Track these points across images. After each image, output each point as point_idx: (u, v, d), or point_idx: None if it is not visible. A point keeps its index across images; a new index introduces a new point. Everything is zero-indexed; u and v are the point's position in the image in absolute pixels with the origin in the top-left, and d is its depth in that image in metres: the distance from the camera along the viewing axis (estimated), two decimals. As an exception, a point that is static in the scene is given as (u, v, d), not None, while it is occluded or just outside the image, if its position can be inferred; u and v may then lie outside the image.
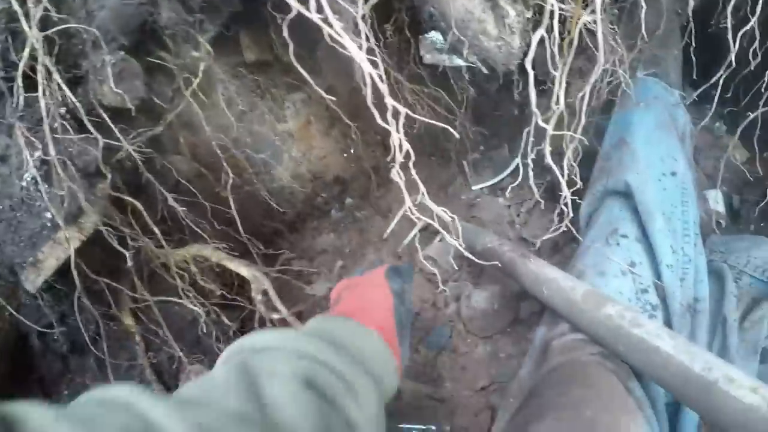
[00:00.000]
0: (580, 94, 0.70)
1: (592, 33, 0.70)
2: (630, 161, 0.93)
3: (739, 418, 0.51)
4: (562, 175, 0.74)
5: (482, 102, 1.10)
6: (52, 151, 0.66)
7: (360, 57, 0.47)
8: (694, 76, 0.98)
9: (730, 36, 0.75)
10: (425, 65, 0.99)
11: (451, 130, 0.66)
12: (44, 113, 0.63)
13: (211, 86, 0.98)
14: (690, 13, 0.92)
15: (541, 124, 0.67)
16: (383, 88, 0.50)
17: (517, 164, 1.21)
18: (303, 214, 1.28)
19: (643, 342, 0.65)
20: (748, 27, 0.76)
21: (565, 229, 0.83)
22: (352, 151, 1.25)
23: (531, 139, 0.78)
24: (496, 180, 1.24)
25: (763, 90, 0.86)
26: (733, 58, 0.78)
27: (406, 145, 0.55)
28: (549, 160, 0.70)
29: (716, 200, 1.28)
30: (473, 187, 1.25)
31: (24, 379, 0.79)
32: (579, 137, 0.76)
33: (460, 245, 0.68)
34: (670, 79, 1.14)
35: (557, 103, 0.61)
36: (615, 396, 0.64)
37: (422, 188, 0.62)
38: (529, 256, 0.88)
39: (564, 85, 0.64)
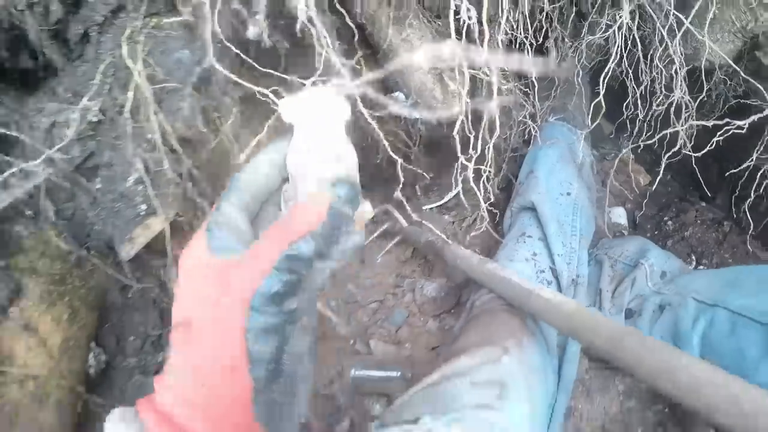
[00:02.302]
0: (502, 137, 1.27)
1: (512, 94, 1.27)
2: (535, 186, 1.51)
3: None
4: (483, 198, 1.31)
5: (431, 138, 1.67)
6: (150, 165, 1.16)
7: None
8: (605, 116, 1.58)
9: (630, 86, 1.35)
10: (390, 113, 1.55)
11: (402, 162, 1.22)
12: (158, 140, 1.14)
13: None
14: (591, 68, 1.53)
15: (464, 162, 1.23)
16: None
17: (458, 190, 1.78)
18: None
19: (530, 293, 1.20)
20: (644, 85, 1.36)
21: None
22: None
23: (467, 170, 1.33)
24: (441, 202, 1.81)
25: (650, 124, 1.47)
26: (635, 101, 1.37)
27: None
28: (474, 185, 1.26)
29: (619, 215, 1.89)
30: (423, 207, 1.81)
31: (101, 327, 1.26)
32: (498, 170, 1.33)
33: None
34: (576, 121, 1.76)
35: (473, 149, 1.17)
36: (516, 324, 1.19)
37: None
38: (454, 243, 1.43)
39: (486, 136, 1.20)
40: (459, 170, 1.33)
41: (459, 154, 1.20)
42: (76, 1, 1.14)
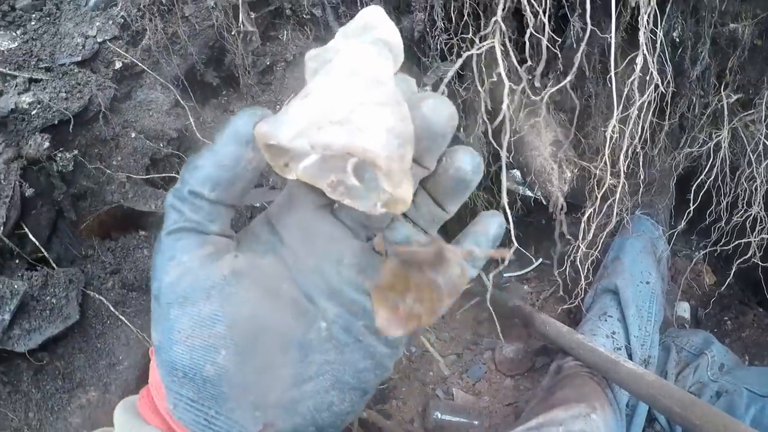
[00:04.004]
0: (597, 224, 1.63)
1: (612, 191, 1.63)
2: (621, 272, 1.86)
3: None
4: (580, 277, 1.65)
5: (528, 212, 2.03)
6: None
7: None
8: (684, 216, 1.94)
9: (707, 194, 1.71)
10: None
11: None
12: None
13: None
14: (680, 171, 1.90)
15: (568, 236, 1.58)
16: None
17: (541, 262, 2.13)
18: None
19: (617, 363, 1.54)
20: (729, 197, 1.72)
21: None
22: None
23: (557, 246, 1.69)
24: (523, 272, 2.16)
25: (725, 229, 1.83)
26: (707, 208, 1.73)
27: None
28: (579, 265, 1.61)
29: (684, 309, 2.23)
30: (505, 275, 2.16)
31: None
32: (593, 252, 1.68)
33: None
34: (659, 218, 2.13)
35: (583, 238, 1.52)
36: (599, 389, 1.52)
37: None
38: (542, 314, 1.77)
39: (588, 221, 1.56)
40: (557, 248, 1.68)
41: (564, 235, 1.55)
42: (269, 37, 1.52)
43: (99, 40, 1.38)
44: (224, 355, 0.43)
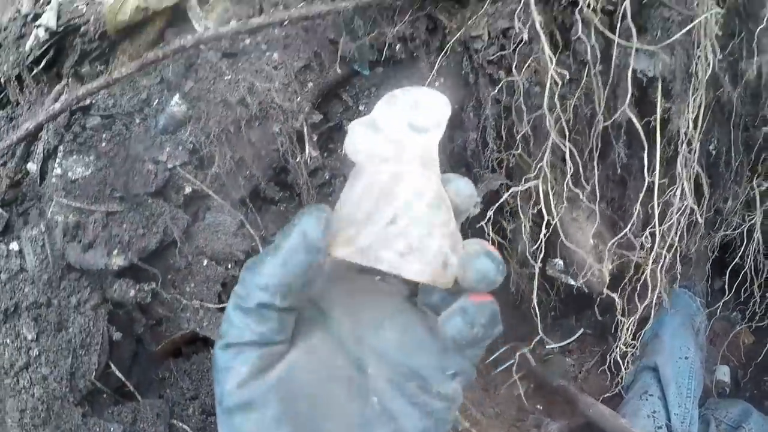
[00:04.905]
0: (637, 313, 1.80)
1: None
2: (661, 349, 2.04)
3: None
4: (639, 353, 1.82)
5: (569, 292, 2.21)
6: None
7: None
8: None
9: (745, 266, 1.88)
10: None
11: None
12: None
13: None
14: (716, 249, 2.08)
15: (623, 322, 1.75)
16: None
17: (582, 332, 2.30)
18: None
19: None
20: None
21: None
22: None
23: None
24: (564, 342, 2.33)
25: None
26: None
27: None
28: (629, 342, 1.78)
29: (724, 373, 2.41)
30: (547, 346, 2.33)
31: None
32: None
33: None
34: (696, 290, 2.31)
35: (626, 330, 1.69)
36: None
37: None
38: (586, 395, 1.94)
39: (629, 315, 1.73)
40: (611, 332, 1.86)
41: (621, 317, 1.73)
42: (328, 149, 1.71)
43: (169, 165, 1.55)
44: None
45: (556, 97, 1.35)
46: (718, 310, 2.75)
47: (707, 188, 1.74)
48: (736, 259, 1.99)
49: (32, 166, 1.58)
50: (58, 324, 1.40)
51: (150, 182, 1.49)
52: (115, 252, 1.44)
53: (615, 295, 1.66)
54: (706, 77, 1.40)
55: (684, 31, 1.28)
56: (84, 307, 1.40)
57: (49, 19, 1.66)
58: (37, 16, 1.73)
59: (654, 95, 1.46)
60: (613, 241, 1.66)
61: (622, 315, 1.69)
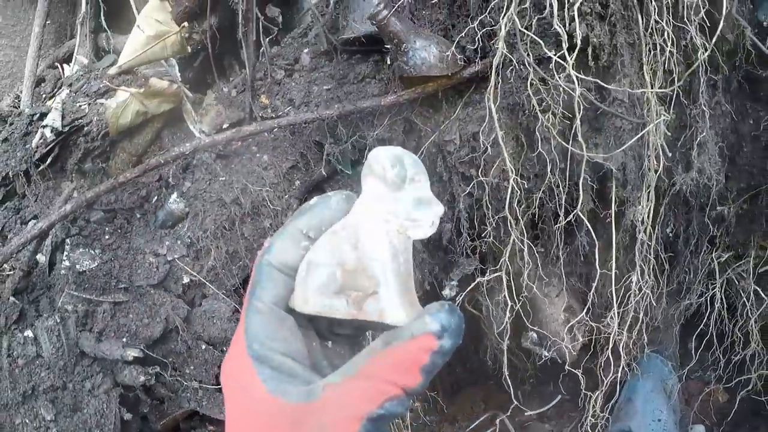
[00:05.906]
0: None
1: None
2: (633, 414, 2.17)
3: None
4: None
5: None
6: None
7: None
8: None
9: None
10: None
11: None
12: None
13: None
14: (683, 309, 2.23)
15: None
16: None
17: (560, 398, 2.44)
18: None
19: None
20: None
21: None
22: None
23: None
24: (542, 409, 2.46)
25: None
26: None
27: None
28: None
29: (699, 432, 2.53)
30: (526, 413, 2.46)
31: None
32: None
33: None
34: (667, 354, 2.44)
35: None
36: None
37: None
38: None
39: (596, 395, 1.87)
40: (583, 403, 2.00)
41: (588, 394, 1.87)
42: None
43: (169, 258, 1.70)
44: None
45: (522, 195, 1.52)
46: (691, 371, 2.92)
47: (667, 264, 1.90)
48: (701, 326, 2.14)
49: (41, 257, 1.72)
50: (74, 405, 1.54)
51: (152, 275, 1.65)
52: (125, 339, 1.59)
53: (578, 372, 1.80)
54: (659, 173, 1.57)
55: (635, 139, 1.45)
56: (97, 391, 1.54)
57: (54, 119, 1.81)
58: (42, 116, 1.88)
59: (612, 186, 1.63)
60: (578, 317, 1.81)
61: (587, 389, 1.83)
